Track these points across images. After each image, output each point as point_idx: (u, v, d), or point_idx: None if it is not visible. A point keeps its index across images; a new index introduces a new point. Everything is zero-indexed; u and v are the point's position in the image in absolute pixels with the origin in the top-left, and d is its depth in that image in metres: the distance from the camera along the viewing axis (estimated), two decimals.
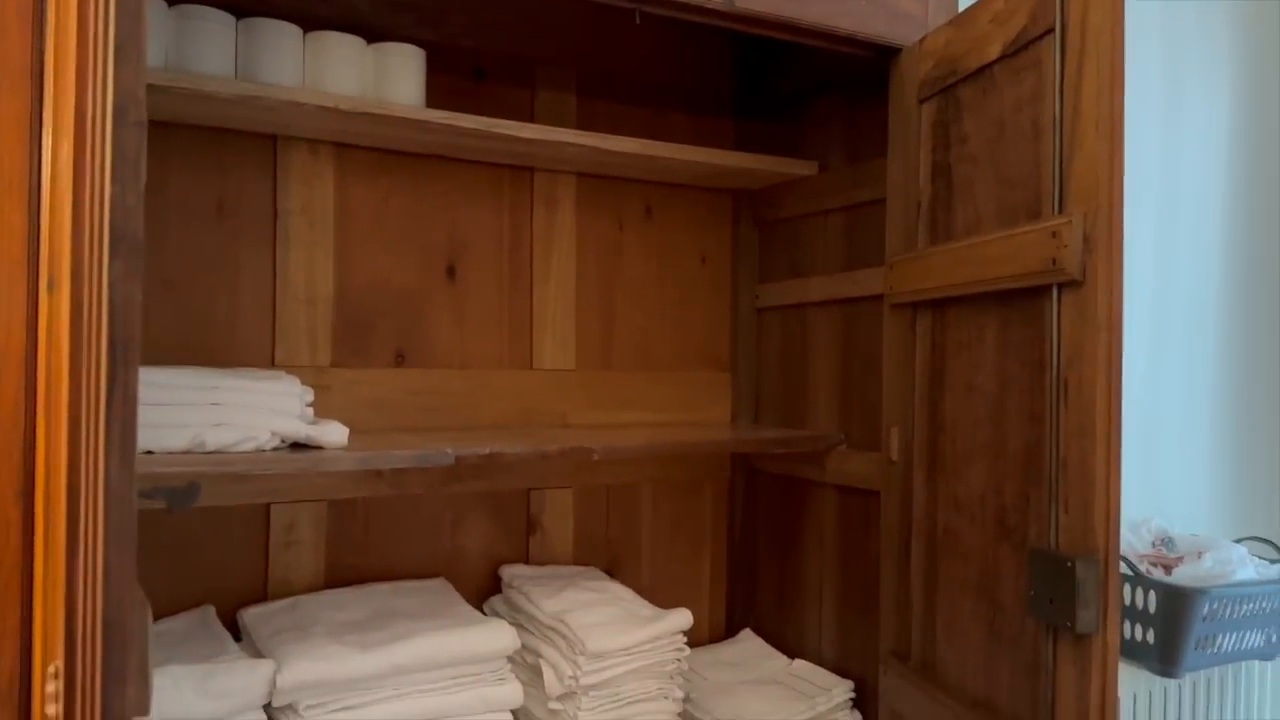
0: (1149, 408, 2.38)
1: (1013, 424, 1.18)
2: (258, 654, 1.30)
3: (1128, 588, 2.04)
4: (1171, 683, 2.04)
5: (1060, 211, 1.09)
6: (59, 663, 0.62)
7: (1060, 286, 1.09)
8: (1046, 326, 1.11)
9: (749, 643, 1.82)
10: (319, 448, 1.28)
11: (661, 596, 1.66)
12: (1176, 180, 2.34)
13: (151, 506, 0.90)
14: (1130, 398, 2.28)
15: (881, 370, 1.50)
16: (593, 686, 1.41)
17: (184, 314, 1.43)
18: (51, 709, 0.63)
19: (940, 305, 1.34)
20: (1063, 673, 1.08)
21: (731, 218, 1.90)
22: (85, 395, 0.55)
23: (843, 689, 1.60)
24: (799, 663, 1.71)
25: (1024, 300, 1.16)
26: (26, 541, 0.92)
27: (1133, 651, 2.03)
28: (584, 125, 1.69)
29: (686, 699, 1.55)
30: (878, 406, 1.52)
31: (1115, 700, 1.04)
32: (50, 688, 0.63)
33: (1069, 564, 1.04)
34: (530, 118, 1.65)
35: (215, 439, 1.21)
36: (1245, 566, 2.07)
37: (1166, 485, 2.42)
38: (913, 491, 1.39)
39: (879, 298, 1.51)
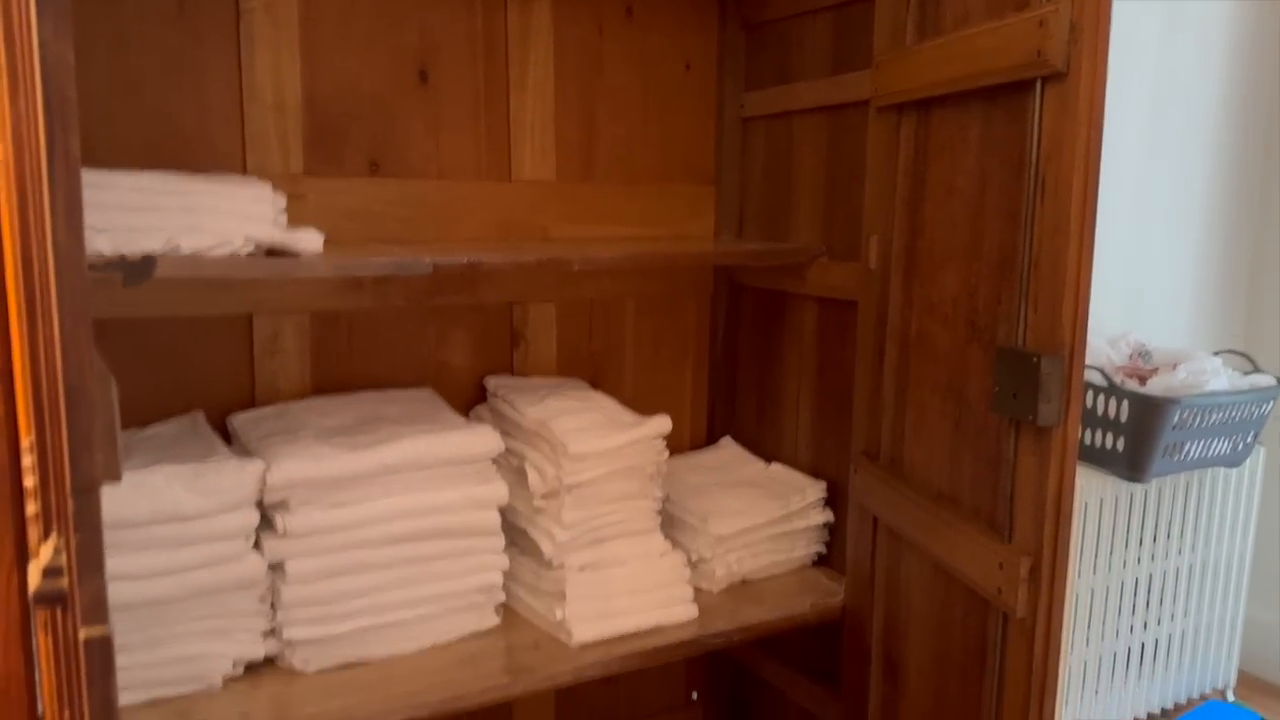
0: (1138, 219, 2.37)
1: (989, 225, 1.18)
2: (247, 455, 1.34)
3: (1101, 398, 2.09)
4: (1138, 487, 2.12)
5: None
6: (32, 437, 0.64)
7: (1044, 80, 1.06)
8: (1029, 123, 1.09)
9: (728, 449, 1.88)
10: (294, 254, 1.28)
11: (644, 408, 1.69)
12: None
13: (107, 278, 0.90)
14: (1119, 207, 2.27)
15: (865, 180, 1.48)
16: (575, 486, 1.47)
17: (150, 119, 1.39)
18: (29, 481, 0.65)
19: (925, 106, 1.31)
20: (1022, 464, 1.11)
21: (717, 20, 1.83)
22: (27, 164, 0.54)
23: (816, 489, 1.67)
24: (775, 466, 1.77)
25: (1008, 97, 1.13)
26: (4, 344, 0.93)
27: (1102, 458, 2.10)
28: None
29: (666, 499, 1.61)
30: (859, 218, 1.51)
31: (1071, 489, 1.08)
32: (26, 460, 0.65)
33: (1035, 360, 1.06)
34: None
35: (189, 243, 1.20)
36: (1218, 377, 2.12)
37: (1150, 299, 2.45)
38: (889, 298, 1.40)
39: (865, 103, 1.48)
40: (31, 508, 0.65)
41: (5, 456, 0.86)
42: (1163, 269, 2.46)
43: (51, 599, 0.55)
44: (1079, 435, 1.08)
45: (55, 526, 0.57)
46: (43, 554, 0.57)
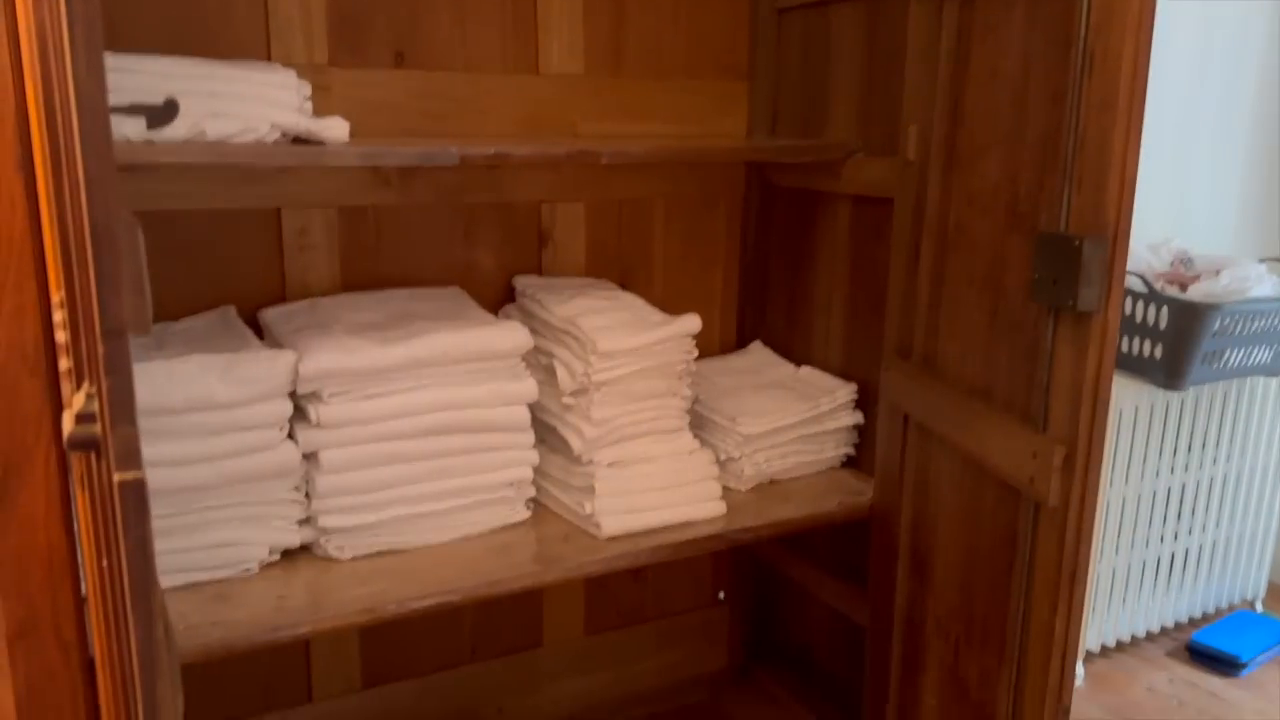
0: (1184, 123, 2.30)
1: (1034, 108, 1.14)
2: (279, 348, 1.34)
3: (1140, 305, 2.05)
4: (1174, 396, 2.10)
5: None
6: (62, 293, 0.64)
7: None
8: None
9: (758, 353, 1.87)
10: (320, 143, 1.26)
11: (673, 310, 1.67)
12: None
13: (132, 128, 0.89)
14: (1166, 110, 2.19)
15: (903, 71, 1.43)
16: (604, 384, 1.46)
17: (173, 4, 1.37)
18: (61, 336, 0.65)
19: None
20: (1060, 353, 1.09)
21: None
22: (46, 2, 0.52)
23: (846, 390, 1.65)
24: (805, 369, 1.76)
25: None
26: (33, 214, 0.93)
27: (1138, 366, 2.07)
28: None
29: (695, 400, 1.60)
30: (897, 113, 1.46)
31: (1110, 376, 1.06)
32: (57, 317, 0.65)
33: (1076, 243, 1.03)
34: None
35: (215, 129, 1.19)
36: (1262, 284, 2.07)
37: (1194, 206, 2.38)
38: (927, 189, 1.36)
39: None
40: (64, 363, 0.65)
41: (39, 327, 0.87)
42: (1208, 174, 2.38)
43: (84, 444, 0.56)
44: (1119, 320, 1.05)
45: (87, 374, 0.57)
46: (75, 402, 0.58)
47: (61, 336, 0.64)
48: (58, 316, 0.64)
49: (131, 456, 0.54)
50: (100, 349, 0.52)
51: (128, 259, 0.54)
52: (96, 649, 0.69)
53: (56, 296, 0.64)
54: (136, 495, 0.54)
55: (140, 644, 0.56)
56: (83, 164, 0.51)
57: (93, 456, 0.58)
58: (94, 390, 0.55)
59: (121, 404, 0.54)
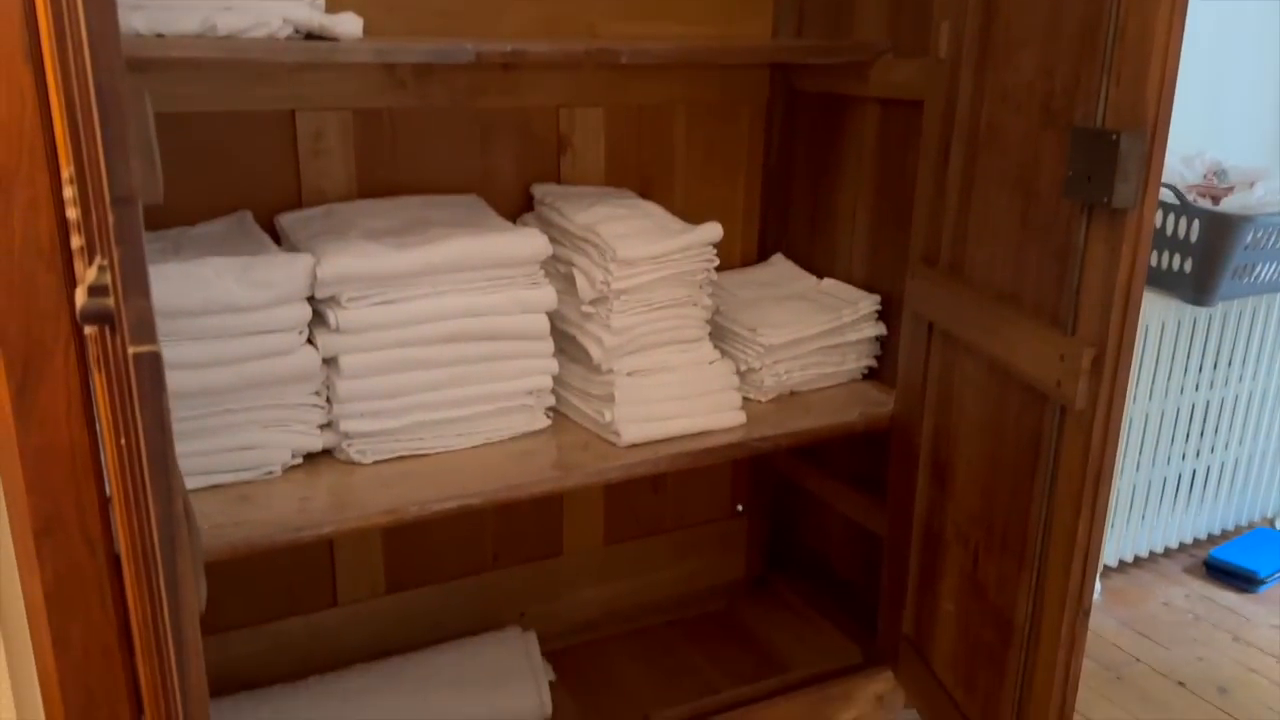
0: (1220, 31, 2.21)
1: None
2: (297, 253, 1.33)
3: (1170, 217, 2.01)
4: (1202, 311, 2.06)
5: None
6: (71, 169, 0.62)
7: None
8: None
9: (780, 265, 1.84)
10: (334, 39, 1.23)
11: (693, 220, 1.64)
12: None
13: None
14: (1202, 18, 2.11)
15: None
16: (624, 292, 1.45)
17: None
18: (71, 213, 0.64)
19: None
20: (1092, 253, 1.07)
21: None
22: None
23: (869, 302, 1.63)
24: (828, 281, 1.73)
25: None
26: (43, 105, 0.91)
27: (1166, 281, 2.04)
28: None
29: (716, 311, 1.59)
30: (928, 10, 1.41)
31: (1143, 277, 1.03)
32: (67, 193, 0.64)
33: (1114, 138, 1.00)
34: None
35: (226, 23, 1.16)
36: None
37: (1230, 116, 2.31)
38: (958, 89, 1.32)
39: None
40: (77, 241, 0.64)
41: (53, 220, 0.85)
42: (1245, 85, 2.31)
43: (97, 316, 0.55)
44: (1154, 218, 1.02)
45: (99, 248, 0.56)
46: (88, 276, 0.57)
47: (73, 213, 0.63)
48: (68, 193, 0.63)
49: (145, 329, 0.54)
50: (110, 218, 0.51)
51: (135, 124, 0.52)
52: (119, 531, 0.69)
53: (66, 172, 0.62)
54: (152, 368, 0.53)
55: (160, 519, 0.56)
56: (85, 22, 0.49)
57: (107, 332, 0.57)
58: (106, 262, 0.54)
59: (134, 274, 0.53)
